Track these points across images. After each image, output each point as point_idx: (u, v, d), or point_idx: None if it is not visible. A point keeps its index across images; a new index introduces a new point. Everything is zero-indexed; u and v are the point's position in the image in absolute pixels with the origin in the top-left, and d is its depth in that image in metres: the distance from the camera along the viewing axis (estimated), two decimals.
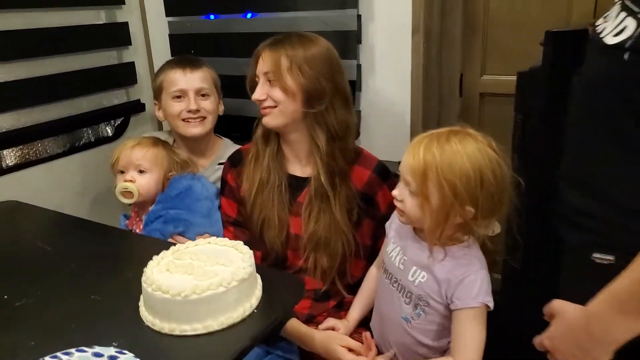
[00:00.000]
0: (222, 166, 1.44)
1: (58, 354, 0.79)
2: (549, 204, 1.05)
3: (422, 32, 1.51)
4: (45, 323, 0.91)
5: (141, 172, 1.39)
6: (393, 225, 1.14)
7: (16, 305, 0.95)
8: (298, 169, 1.30)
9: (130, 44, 1.91)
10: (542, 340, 0.88)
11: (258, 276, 0.97)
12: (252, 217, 1.29)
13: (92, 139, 1.85)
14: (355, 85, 1.61)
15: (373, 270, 1.26)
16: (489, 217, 0.98)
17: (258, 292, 0.94)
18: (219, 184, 1.44)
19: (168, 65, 1.59)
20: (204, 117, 1.55)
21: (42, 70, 1.65)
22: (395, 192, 1.03)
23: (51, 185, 1.71)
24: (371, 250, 1.31)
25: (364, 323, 1.24)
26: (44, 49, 1.65)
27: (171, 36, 1.98)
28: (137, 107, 1.97)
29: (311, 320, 1.27)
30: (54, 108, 1.71)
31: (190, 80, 1.53)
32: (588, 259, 0.89)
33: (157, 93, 1.59)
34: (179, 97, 1.54)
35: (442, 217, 0.95)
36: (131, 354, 0.79)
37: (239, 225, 1.36)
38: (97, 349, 0.79)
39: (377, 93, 1.64)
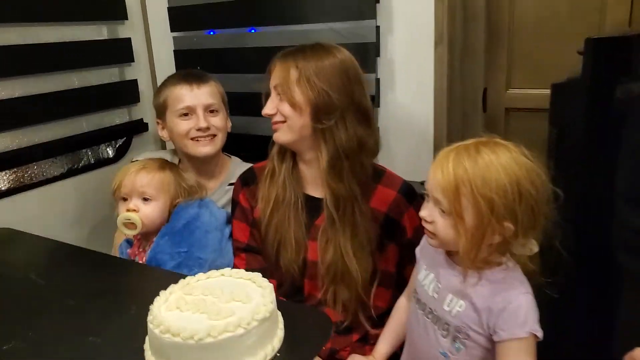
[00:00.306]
0: (232, 187, 1.37)
1: None
2: (598, 223, 0.96)
3: (446, 42, 1.46)
4: None
5: (145, 199, 1.29)
6: (424, 250, 1.06)
7: (4, 349, 0.88)
8: (315, 190, 1.23)
9: (133, 61, 1.88)
10: None
11: (279, 313, 0.88)
12: (268, 239, 1.23)
13: (92, 161, 1.80)
14: (374, 101, 1.56)
15: (402, 302, 1.17)
16: (529, 233, 0.90)
17: (280, 331, 0.85)
18: (228, 208, 1.37)
19: (172, 80, 1.50)
20: (214, 135, 1.47)
21: (39, 88, 1.60)
22: (423, 213, 0.95)
23: (47, 211, 1.65)
24: (397, 278, 1.23)
25: (393, 359, 1.16)
26: (42, 65, 1.61)
27: (176, 52, 1.95)
28: (139, 127, 1.94)
29: (333, 356, 1.20)
30: (51, 128, 1.66)
31: (198, 96, 1.45)
32: None
33: (161, 111, 1.51)
34: (186, 114, 1.45)
35: (479, 237, 0.88)
36: None
37: (252, 251, 1.29)
38: None
39: (397, 108, 1.59)
